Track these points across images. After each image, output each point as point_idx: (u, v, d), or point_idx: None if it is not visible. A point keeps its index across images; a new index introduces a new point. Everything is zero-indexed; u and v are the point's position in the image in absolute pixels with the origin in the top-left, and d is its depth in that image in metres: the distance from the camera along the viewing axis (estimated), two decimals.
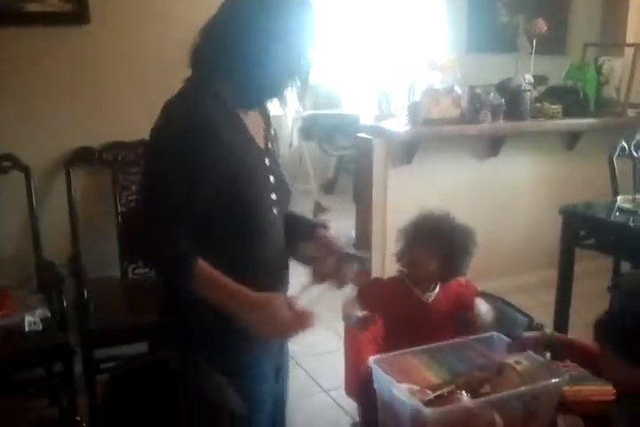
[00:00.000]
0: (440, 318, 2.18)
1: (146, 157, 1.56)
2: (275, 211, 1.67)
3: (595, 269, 3.58)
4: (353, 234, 4.09)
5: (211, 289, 1.49)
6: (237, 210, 1.56)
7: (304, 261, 1.85)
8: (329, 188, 5.93)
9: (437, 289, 2.20)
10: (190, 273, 1.47)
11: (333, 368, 2.64)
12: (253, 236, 1.61)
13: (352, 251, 1.81)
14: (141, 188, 1.59)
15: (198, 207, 1.51)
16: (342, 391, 2.56)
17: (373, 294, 2.18)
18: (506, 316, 2.38)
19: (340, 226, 4.21)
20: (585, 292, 3.17)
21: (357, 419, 2.48)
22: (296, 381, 2.92)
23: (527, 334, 2.05)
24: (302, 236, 1.82)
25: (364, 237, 3.88)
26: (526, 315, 2.58)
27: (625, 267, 3.30)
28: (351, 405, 2.62)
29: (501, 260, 3.83)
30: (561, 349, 2.02)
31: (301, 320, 1.51)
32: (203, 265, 1.48)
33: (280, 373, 1.80)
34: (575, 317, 3.07)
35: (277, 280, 1.71)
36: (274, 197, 1.67)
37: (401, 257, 2.17)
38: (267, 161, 1.67)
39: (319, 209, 5.22)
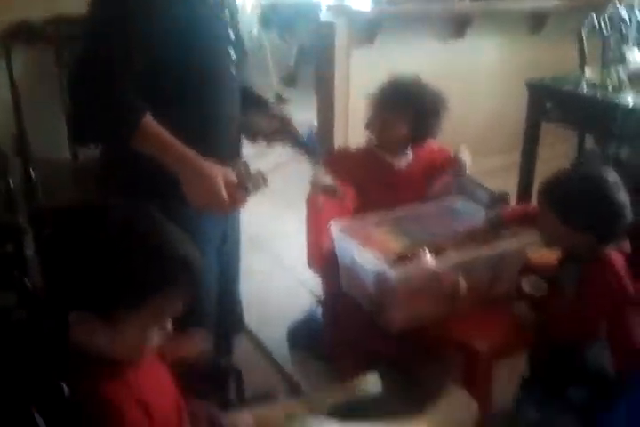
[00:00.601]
0: (414, 186, 2.15)
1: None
2: (232, 70, 1.59)
3: (559, 151, 3.54)
4: (315, 122, 3.96)
5: (156, 148, 1.43)
6: (194, 61, 1.48)
7: (252, 137, 1.78)
8: (290, 80, 5.70)
9: (410, 156, 2.14)
10: (136, 124, 1.40)
11: (297, 249, 2.59)
12: (209, 92, 1.53)
13: (305, 140, 1.78)
14: (89, 28, 1.46)
15: (153, 50, 1.40)
16: (306, 272, 2.52)
17: (342, 165, 2.12)
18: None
19: (302, 118, 4.07)
20: (549, 172, 3.13)
21: (322, 296, 2.46)
22: (258, 262, 2.91)
23: None
24: (256, 111, 1.75)
25: (325, 124, 3.76)
26: (487, 189, 2.55)
27: (589, 144, 3.26)
28: (316, 283, 2.58)
29: (467, 142, 3.74)
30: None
31: (235, 198, 1.47)
32: (150, 121, 1.41)
33: (227, 237, 1.76)
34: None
35: (228, 145, 1.65)
36: (232, 53, 1.58)
37: (371, 123, 2.11)
38: (226, 13, 1.58)
39: (280, 100, 5.04)
